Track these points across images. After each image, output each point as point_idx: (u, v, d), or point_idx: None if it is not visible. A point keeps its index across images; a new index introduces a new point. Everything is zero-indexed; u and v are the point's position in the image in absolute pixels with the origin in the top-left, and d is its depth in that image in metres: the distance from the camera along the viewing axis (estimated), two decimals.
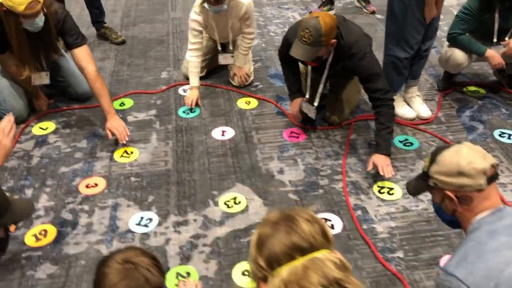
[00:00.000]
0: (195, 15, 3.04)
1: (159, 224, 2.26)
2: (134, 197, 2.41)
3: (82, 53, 2.74)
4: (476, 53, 2.87)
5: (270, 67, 3.55)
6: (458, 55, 2.90)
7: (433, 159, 1.39)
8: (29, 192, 2.44)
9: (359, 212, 2.30)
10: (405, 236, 2.17)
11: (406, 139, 2.77)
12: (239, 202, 2.37)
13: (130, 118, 3.00)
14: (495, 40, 2.90)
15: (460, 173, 1.32)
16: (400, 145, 2.73)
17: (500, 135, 2.78)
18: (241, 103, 3.14)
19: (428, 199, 2.36)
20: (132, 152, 2.71)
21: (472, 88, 3.22)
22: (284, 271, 0.96)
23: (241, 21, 3.12)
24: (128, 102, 3.17)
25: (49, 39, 2.70)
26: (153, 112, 3.07)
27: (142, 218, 2.29)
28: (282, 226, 1.01)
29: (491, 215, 1.32)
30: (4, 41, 2.63)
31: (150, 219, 2.28)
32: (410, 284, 1.95)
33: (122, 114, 3.02)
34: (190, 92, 3.12)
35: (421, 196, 2.38)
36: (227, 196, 2.41)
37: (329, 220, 2.25)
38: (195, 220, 2.28)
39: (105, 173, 2.57)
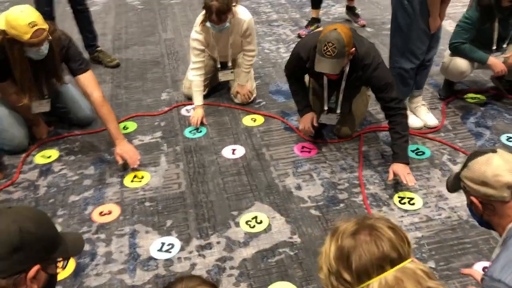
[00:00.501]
0: (196, 34, 3.02)
1: (182, 249, 2.18)
2: (151, 223, 2.34)
3: (87, 78, 2.67)
4: (479, 61, 2.92)
5: (270, 84, 3.54)
6: (461, 63, 2.95)
7: (466, 163, 1.42)
8: None
9: None
10: (433, 246, 2.16)
11: (417, 149, 2.78)
12: (261, 222, 2.32)
13: (135, 142, 2.93)
14: (494, 47, 2.97)
15: (485, 183, 1.35)
16: (413, 155, 2.73)
17: (507, 139, 2.82)
18: (247, 120, 3.11)
19: (449, 207, 2.37)
20: (143, 177, 2.63)
21: (473, 95, 3.27)
22: (375, 283, 0.92)
23: (242, 38, 3.11)
24: (132, 126, 3.10)
25: (53, 66, 2.62)
26: (159, 134, 3.01)
27: (163, 244, 2.21)
28: (365, 236, 0.97)
29: None
30: (6, 69, 2.54)
31: (172, 245, 2.21)
32: None
33: (127, 137, 2.94)
34: (195, 111, 3.07)
35: (442, 205, 2.38)
36: (247, 216, 2.35)
37: None
38: (218, 243, 2.21)
39: (117, 200, 2.49)
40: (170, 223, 2.33)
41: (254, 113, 3.17)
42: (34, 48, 2.44)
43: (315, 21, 4.35)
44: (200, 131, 3.01)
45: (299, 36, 4.25)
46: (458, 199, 2.39)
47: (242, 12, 3.01)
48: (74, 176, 2.66)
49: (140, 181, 2.60)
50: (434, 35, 2.76)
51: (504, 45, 2.98)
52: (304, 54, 2.58)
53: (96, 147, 2.90)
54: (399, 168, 2.40)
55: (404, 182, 2.35)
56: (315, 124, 2.76)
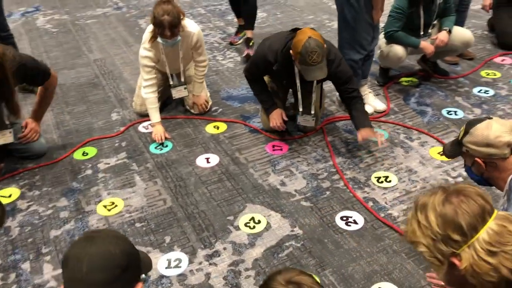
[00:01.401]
0: (145, 51, 2.97)
1: (190, 261, 2.16)
2: (149, 242, 2.27)
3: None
4: (413, 46, 3.24)
5: (220, 91, 3.58)
6: (397, 49, 3.25)
7: (467, 130, 1.63)
8: (26, 266, 2.15)
9: (370, 204, 2.44)
10: None
11: (377, 132, 3.01)
12: (259, 221, 2.36)
13: (102, 166, 2.81)
14: (421, 33, 3.31)
15: (488, 145, 1.57)
16: (374, 138, 2.95)
17: (448, 113, 3.16)
18: (210, 128, 3.12)
19: (421, 178, 2.60)
20: (113, 203, 2.51)
21: (406, 79, 3.61)
22: (484, 234, 1.04)
23: (193, 50, 3.12)
24: (91, 151, 2.95)
25: (8, 92, 2.42)
26: (123, 154, 2.91)
27: (169, 260, 2.17)
28: (458, 198, 1.09)
29: None
30: None
31: (179, 259, 2.17)
32: None
33: (90, 163, 2.82)
34: (154, 128, 3.01)
35: (414, 178, 2.61)
36: (244, 218, 2.39)
37: (350, 217, 2.36)
38: (225, 249, 2.22)
39: (104, 226, 2.38)
40: (169, 239, 2.28)
41: (215, 120, 3.20)
42: None
43: (242, 27, 4.47)
44: (166, 146, 2.96)
45: (231, 43, 4.34)
46: (425, 170, 2.65)
47: (190, 25, 3.03)
48: (47, 210, 2.49)
49: (113, 207, 2.49)
50: (376, 26, 3.01)
51: (429, 30, 3.33)
52: (271, 57, 2.68)
53: (60, 177, 2.73)
54: (366, 132, 2.64)
55: (380, 143, 2.65)
56: (285, 118, 2.87)
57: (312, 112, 2.89)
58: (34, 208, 2.51)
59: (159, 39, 2.89)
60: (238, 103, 3.39)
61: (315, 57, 2.45)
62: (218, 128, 3.13)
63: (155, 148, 2.95)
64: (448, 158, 1.83)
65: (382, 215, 2.37)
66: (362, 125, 2.70)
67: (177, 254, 2.20)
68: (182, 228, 2.34)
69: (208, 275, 2.09)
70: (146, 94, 3.01)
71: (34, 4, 5.68)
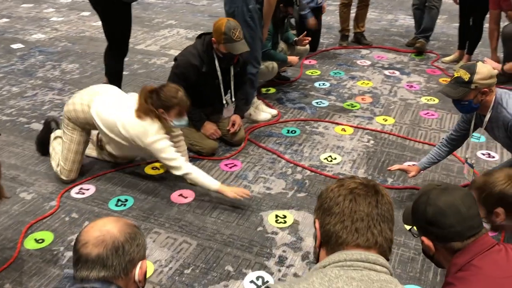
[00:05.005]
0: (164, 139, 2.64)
1: (271, 273, 2.20)
2: (217, 278, 2.18)
3: None
4: (283, 60, 3.88)
5: None
6: (276, 64, 3.83)
7: (472, 72, 2.32)
8: None
9: (341, 176, 2.93)
10: (372, 172, 3.01)
11: (288, 131, 3.50)
12: (285, 216, 2.58)
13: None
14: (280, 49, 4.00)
15: (492, 76, 2.33)
16: (290, 134, 3.44)
17: (317, 104, 3.92)
18: (148, 169, 3.00)
19: (352, 149, 3.25)
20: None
21: (268, 88, 4.19)
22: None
23: None
24: (45, 235, 2.44)
25: None
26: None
27: (253, 281, 2.16)
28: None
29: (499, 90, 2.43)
30: None
31: (261, 277, 2.19)
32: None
33: (59, 247, 2.36)
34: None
35: (347, 151, 3.23)
36: (271, 219, 2.53)
37: None
38: (284, 251, 2.34)
39: (159, 284, 2.12)
40: (231, 267, 2.24)
41: (152, 162, 3.07)
42: None
43: None
44: (126, 200, 2.72)
45: None
46: (348, 143, 3.32)
47: None
48: None
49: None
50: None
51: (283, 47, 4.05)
52: (196, 61, 2.95)
53: (39, 271, 2.19)
54: (237, 118, 3.24)
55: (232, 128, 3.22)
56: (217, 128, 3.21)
57: (233, 99, 3.24)
58: None
59: (175, 122, 2.65)
60: None
61: (238, 33, 2.90)
62: (158, 168, 3.03)
63: (116, 205, 2.67)
64: (457, 99, 2.37)
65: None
66: (237, 111, 3.32)
67: (253, 275, 2.20)
68: (231, 255, 2.32)
69: (296, 274, 2.19)
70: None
71: None
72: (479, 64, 2.35)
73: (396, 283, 1.08)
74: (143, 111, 2.58)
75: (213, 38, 2.95)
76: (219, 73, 3.07)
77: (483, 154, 3.19)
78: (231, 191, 2.58)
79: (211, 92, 3.14)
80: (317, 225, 1.18)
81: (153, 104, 2.58)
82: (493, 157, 3.16)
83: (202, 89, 3.07)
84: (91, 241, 1.24)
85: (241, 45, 2.95)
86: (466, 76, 2.34)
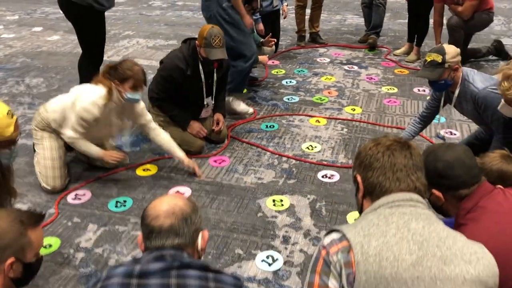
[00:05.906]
0: (96, 108, 2.71)
1: (279, 251, 2.36)
2: (229, 261, 2.31)
3: None
4: (258, 42, 4.09)
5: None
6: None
7: (443, 53, 2.59)
8: None
9: (325, 162, 3.15)
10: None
11: (267, 126, 3.68)
12: (281, 200, 2.75)
13: (85, 244, 2.43)
14: None
15: (458, 53, 2.64)
16: (269, 129, 3.63)
17: (288, 100, 4.13)
18: (140, 171, 3.08)
19: (328, 138, 3.48)
20: None
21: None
22: None
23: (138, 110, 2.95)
24: (54, 241, 2.47)
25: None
26: (95, 227, 2.57)
27: (264, 261, 2.31)
28: None
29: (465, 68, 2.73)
30: None
31: (271, 256, 2.34)
32: None
33: (68, 250, 2.40)
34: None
35: (323, 140, 3.46)
36: (269, 203, 2.70)
37: (333, 175, 3.00)
38: (286, 232, 2.51)
39: None
40: (240, 250, 2.38)
41: (143, 164, 3.14)
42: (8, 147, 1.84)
43: None
44: (125, 201, 2.79)
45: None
46: (324, 133, 3.54)
47: None
48: None
49: None
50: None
51: None
52: (182, 64, 3.08)
53: (53, 273, 2.23)
54: (220, 117, 3.39)
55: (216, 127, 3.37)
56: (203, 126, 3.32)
57: (212, 102, 3.38)
58: None
59: (128, 94, 2.72)
60: (145, 145, 3.38)
61: (218, 41, 3.04)
62: (147, 170, 3.11)
63: (115, 206, 2.73)
64: (434, 80, 2.64)
65: (339, 164, 3.13)
66: (218, 109, 3.45)
67: (262, 254, 2.35)
68: (238, 239, 2.46)
69: (304, 252, 2.37)
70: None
71: None
72: (445, 45, 2.65)
73: (435, 216, 1.29)
74: (99, 80, 2.77)
75: (197, 41, 3.10)
76: (202, 76, 3.19)
77: (446, 133, 3.51)
78: (108, 155, 2.85)
79: (195, 94, 3.26)
80: (359, 179, 1.37)
81: (110, 76, 2.74)
82: (455, 134, 3.50)
83: (186, 91, 3.19)
84: (162, 214, 1.35)
85: (219, 52, 3.06)
86: (438, 58, 2.62)
